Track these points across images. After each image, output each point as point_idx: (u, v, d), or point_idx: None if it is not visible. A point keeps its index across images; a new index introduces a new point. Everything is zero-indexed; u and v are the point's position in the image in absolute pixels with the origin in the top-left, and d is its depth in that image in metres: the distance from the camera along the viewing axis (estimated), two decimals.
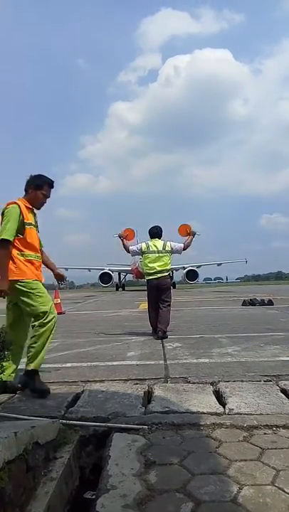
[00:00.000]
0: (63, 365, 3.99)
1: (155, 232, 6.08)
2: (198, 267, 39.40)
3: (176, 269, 38.06)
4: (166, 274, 5.90)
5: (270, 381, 3.12)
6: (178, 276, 40.98)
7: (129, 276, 40.12)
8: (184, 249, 6.06)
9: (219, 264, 41.63)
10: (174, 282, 39.92)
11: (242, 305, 11.38)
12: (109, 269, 37.80)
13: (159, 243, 5.92)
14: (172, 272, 40.12)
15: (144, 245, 6.00)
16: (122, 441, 2.06)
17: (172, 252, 5.95)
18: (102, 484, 1.66)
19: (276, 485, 1.58)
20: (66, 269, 39.71)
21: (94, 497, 1.79)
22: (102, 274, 37.15)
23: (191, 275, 37.14)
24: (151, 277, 5.83)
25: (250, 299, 11.55)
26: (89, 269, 40.06)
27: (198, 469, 1.73)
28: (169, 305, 5.91)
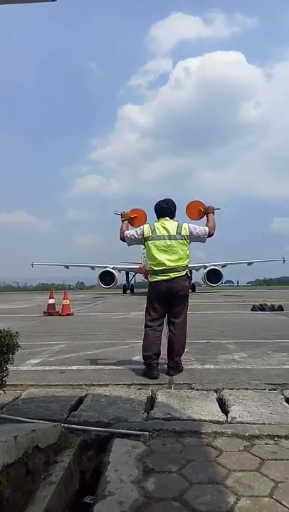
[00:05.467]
0: (69, 368, 4.02)
1: (165, 208, 3.96)
2: (224, 266, 32.33)
3: (197, 269, 32.77)
4: (183, 273, 3.81)
5: (275, 390, 3.09)
6: (197, 277, 34.96)
7: (139, 277, 35.16)
8: (210, 233, 3.99)
9: (250, 264, 35.31)
10: (193, 284, 33.38)
11: (251, 310, 11.28)
12: (113, 267, 31.31)
13: (170, 224, 3.87)
14: (190, 271, 32.60)
15: (146, 228, 3.92)
16: (122, 447, 2.07)
17: (192, 238, 3.89)
18: (100, 490, 1.68)
19: (274, 497, 1.57)
20: (67, 266, 36.07)
21: (92, 502, 1.81)
22: (103, 273, 30.39)
23: (213, 276, 30.01)
24: (158, 278, 3.75)
25: (260, 304, 11.45)
26: (92, 267, 34.41)
27: (197, 478, 1.73)
28: (186, 323, 3.90)
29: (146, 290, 4.05)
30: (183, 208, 4.26)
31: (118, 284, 33.65)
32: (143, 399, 2.88)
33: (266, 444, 2.11)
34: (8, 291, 56.12)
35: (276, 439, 2.16)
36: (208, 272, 30.26)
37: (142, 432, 2.24)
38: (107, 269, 31.16)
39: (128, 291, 35.46)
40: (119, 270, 33.54)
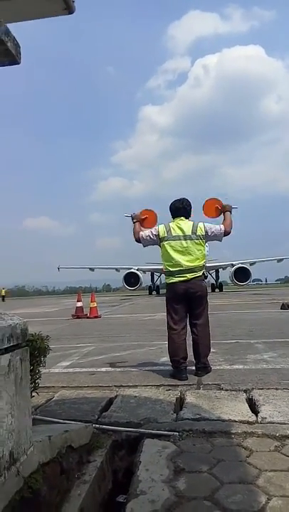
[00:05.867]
0: (98, 370, 4.10)
1: (179, 208, 3.93)
2: (252, 264, 31.35)
3: (224, 267, 32.51)
4: (200, 273, 3.78)
5: None
6: (224, 275, 35.03)
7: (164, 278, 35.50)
8: (226, 232, 3.94)
9: (280, 261, 34.09)
10: (220, 283, 34.11)
11: (280, 308, 11.07)
12: (138, 269, 31.42)
13: (186, 224, 3.83)
14: (217, 270, 33.99)
15: (161, 228, 3.88)
16: (153, 447, 2.10)
17: (208, 237, 3.86)
18: (132, 489, 1.72)
19: None
20: (92, 269, 36.73)
21: (125, 501, 1.85)
22: (128, 274, 30.76)
23: (242, 275, 29.03)
24: (174, 279, 3.72)
25: None
26: (117, 269, 34.93)
27: (227, 478, 1.74)
28: (208, 323, 3.86)
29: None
30: (200, 205, 4.21)
31: (144, 285, 33.69)
32: (172, 400, 2.91)
33: None
34: (38, 295, 57.43)
35: None
36: (236, 270, 29.33)
37: (172, 433, 2.27)
38: (132, 270, 31.21)
39: (154, 292, 35.19)
40: (144, 271, 33.37)
